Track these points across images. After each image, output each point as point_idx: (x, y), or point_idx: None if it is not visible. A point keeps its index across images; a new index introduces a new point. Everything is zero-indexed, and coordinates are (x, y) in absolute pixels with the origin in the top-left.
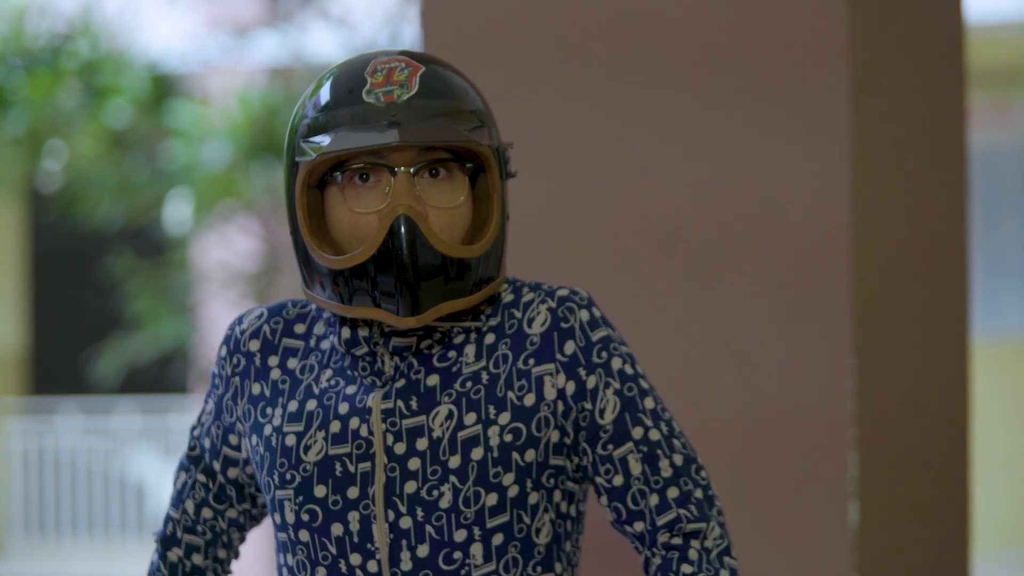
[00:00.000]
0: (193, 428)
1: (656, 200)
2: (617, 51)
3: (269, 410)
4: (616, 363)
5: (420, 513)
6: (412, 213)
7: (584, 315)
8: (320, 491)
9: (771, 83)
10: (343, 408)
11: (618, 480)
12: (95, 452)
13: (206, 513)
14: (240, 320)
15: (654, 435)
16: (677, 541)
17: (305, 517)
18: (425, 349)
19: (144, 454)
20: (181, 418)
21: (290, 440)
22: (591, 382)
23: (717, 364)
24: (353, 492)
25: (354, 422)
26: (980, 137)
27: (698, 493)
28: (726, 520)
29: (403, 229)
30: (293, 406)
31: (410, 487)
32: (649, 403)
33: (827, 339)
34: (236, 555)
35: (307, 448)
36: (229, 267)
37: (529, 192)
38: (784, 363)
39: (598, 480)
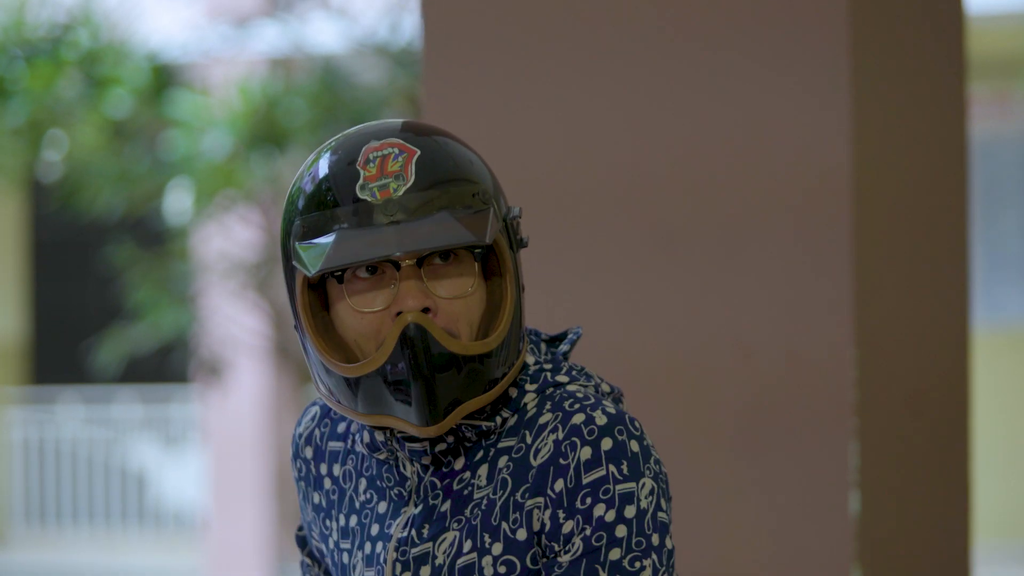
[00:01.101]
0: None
1: (656, 192)
2: (618, 17)
3: (329, 523)
4: (599, 509)
5: None
6: (420, 319)
7: (585, 453)
8: None
9: (772, 74)
10: (374, 530)
11: None
12: (96, 442)
13: None
14: (300, 422)
15: None
16: None
17: None
18: (440, 455)
19: (145, 444)
20: (182, 408)
21: (345, 558)
22: (567, 527)
23: (718, 353)
24: None
25: (379, 546)
26: (981, 127)
27: None
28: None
29: (414, 337)
30: (342, 520)
31: None
32: (615, 554)
33: (828, 328)
34: None
35: (354, 567)
36: (229, 257)
37: (528, 165)
38: (785, 353)
39: None
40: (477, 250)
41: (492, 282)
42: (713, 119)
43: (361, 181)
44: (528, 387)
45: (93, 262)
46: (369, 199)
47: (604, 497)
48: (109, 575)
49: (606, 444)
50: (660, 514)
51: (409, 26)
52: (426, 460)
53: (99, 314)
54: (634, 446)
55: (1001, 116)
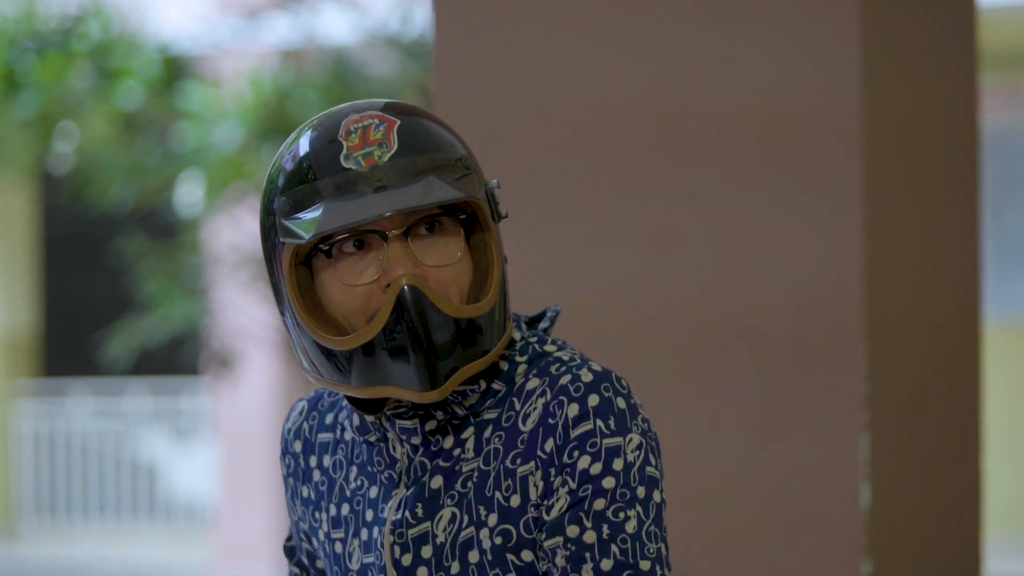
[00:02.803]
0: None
1: (663, 206)
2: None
3: (318, 515)
4: (583, 462)
5: None
6: (416, 281)
7: (573, 409)
8: None
9: (784, 56)
10: (368, 515)
11: (546, 566)
12: (106, 434)
13: None
14: (288, 418)
15: (588, 537)
16: None
17: None
18: (429, 435)
19: (155, 436)
20: (192, 400)
21: (338, 548)
22: (557, 483)
23: (729, 349)
24: None
25: (375, 531)
26: (991, 120)
27: None
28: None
29: (409, 299)
30: (333, 510)
31: None
32: (599, 504)
33: (838, 322)
34: None
35: (350, 556)
36: (240, 249)
37: (540, 155)
38: (795, 346)
39: (540, 566)
40: (462, 216)
41: (476, 253)
42: (724, 98)
43: (345, 151)
44: (518, 359)
45: (104, 254)
46: (354, 167)
47: (591, 450)
48: (119, 568)
49: (593, 400)
50: (648, 468)
51: (420, 17)
52: (416, 440)
53: (110, 306)
54: (621, 403)
55: (1012, 108)
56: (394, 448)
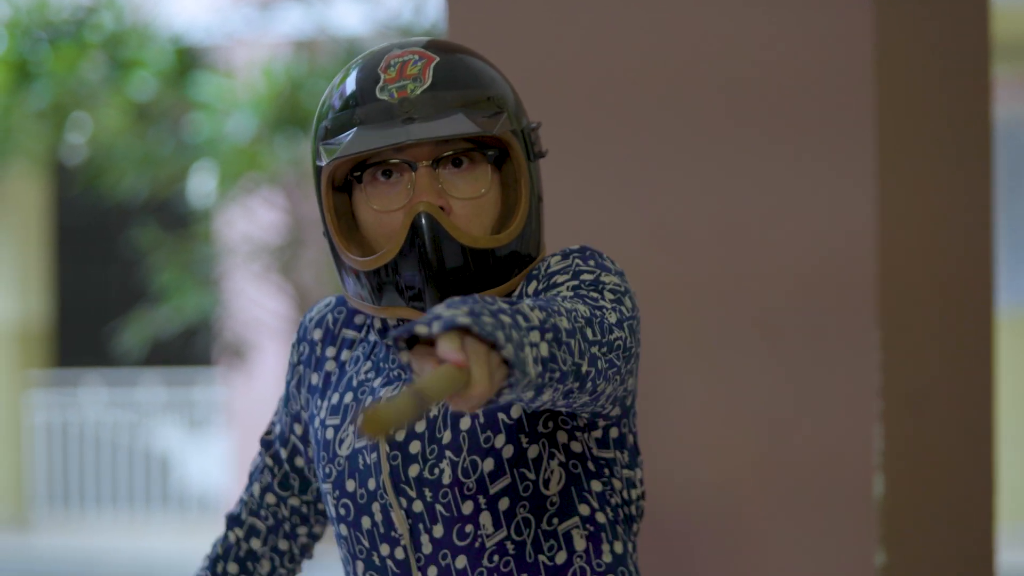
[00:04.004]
0: (275, 412)
1: (675, 191)
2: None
3: (319, 402)
4: (561, 277)
5: (428, 494)
6: (431, 210)
7: (555, 260)
8: (350, 485)
9: (792, 64)
10: (368, 402)
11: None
12: (119, 425)
13: (269, 498)
14: (311, 309)
15: (588, 277)
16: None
17: (342, 511)
18: None
19: (168, 427)
20: (206, 390)
21: (329, 434)
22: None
23: (743, 339)
24: (372, 484)
25: None
26: (1004, 110)
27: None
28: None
29: (424, 226)
30: (335, 398)
31: (413, 470)
32: (590, 278)
33: (852, 311)
34: (303, 551)
35: (341, 442)
36: (253, 239)
37: (551, 151)
38: (809, 336)
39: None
40: (490, 152)
41: (508, 190)
42: (733, 136)
43: (381, 83)
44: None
45: (117, 245)
46: (387, 99)
47: (575, 267)
48: (132, 559)
49: (574, 250)
50: (626, 299)
51: (433, 8)
52: None
53: (123, 297)
54: (600, 257)
55: (1022, 100)
56: None
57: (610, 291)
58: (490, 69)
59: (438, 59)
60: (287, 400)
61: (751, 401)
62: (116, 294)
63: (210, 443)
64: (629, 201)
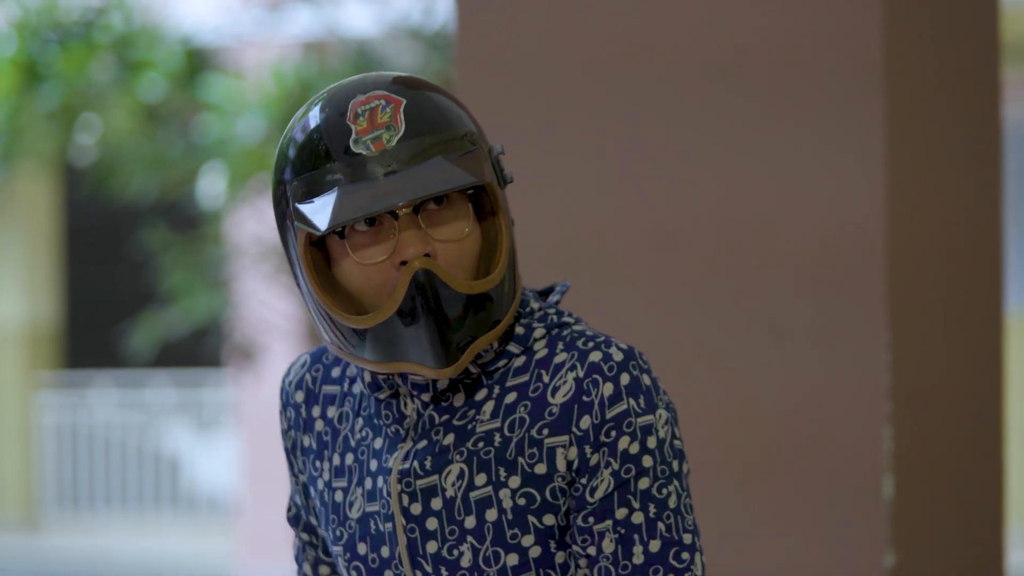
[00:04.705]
0: (291, 488)
1: (686, 192)
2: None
3: (319, 464)
4: (623, 442)
5: (444, 572)
6: (428, 264)
7: (608, 389)
8: (362, 548)
9: (805, 61)
10: (373, 465)
11: (591, 551)
12: (129, 426)
13: (323, 571)
14: (288, 371)
15: (636, 518)
16: None
17: (354, 574)
18: (440, 393)
19: (178, 428)
20: (215, 392)
21: (338, 496)
22: (593, 460)
23: (753, 341)
24: (385, 551)
25: (380, 481)
26: (1013, 111)
27: None
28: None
29: (423, 282)
30: (336, 460)
31: (431, 547)
32: (644, 483)
33: (861, 312)
34: None
35: (351, 505)
36: (263, 241)
37: (557, 152)
38: (819, 338)
39: (575, 548)
40: (469, 191)
41: (485, 222)
42: (735, 128)
43: (354, 136)
44: (536, 324)
45: (126, 246)
46: (364, 152)
47: (627, 430)
48: (142, 560)
49: (624, 379)
50: (675, 441)
51: (443, 9)
52: (426, 396)
53: (132, 298)
54: (646, 380)
55: None
56: (405, 404)
57: (655, 489)
58: (453, 104)
59: (405, 101)
60: (292, 468)
61: (760, 403)
62: (125, 295)
63: (219, 444)
64: (637, 196)
